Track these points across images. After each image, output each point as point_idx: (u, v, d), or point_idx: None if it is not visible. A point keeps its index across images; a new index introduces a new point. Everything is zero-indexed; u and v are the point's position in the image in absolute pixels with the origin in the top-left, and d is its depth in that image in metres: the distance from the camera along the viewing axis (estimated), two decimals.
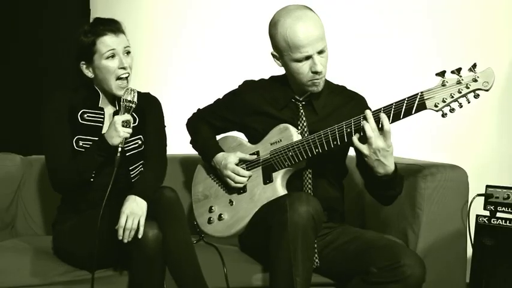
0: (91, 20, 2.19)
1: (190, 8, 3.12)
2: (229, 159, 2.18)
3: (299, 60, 2.03)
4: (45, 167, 2.56)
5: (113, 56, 2.08)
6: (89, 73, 2.13)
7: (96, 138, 2.08)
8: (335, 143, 2.00)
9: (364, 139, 1.94)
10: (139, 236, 1.88)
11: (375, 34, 3.06)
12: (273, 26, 2.07)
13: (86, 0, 3.03)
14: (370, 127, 1.92)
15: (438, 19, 3.04)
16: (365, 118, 1.93)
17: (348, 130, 1.98)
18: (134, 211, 1.91)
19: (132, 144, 2.16)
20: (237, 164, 2.18)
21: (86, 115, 2.13)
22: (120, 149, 2.00)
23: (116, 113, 2.14)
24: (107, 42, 2.08)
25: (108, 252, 1.99)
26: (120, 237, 1.89)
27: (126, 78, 2.11)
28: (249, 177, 2.16)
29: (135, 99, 2.05)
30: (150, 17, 3.07)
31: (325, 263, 2.06)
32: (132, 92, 2.06)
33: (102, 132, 2.12)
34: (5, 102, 2.94)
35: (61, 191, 2.17)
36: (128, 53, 2.12)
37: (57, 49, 2.96)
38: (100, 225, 1.93)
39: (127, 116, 2.03)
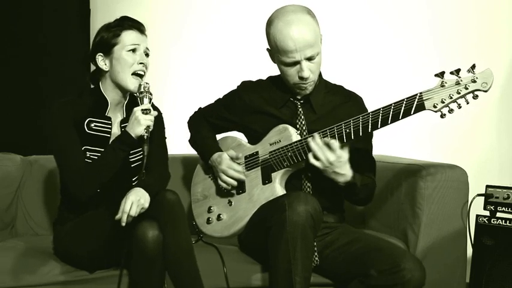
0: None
1: (190, 7, 3.12)
2: (224, 156, 2.19)
3: (287, 64, 2.05)
4: (45, 167, 2.58)
5: (134, 50, 2.08)
6: (104, 65, 2.10)
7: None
8: None
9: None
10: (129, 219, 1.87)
11: (374, 34, 3.06)
12: (268, 25, 2.08)
13: (86, 0, 3.02)
14: (315, 146, 1.97)
15: (437, 19, 3.05)
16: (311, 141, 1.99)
17: (347, 131, 1.98)
18: (140, 200, 1.89)
19: (138, 156, 2.14)
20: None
21: (92, 124, 2.10)
22: (146, 137, 1.98)
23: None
24: (132, 36, 2.08)
25: (109, 253, 1.99)
26: (123, 223, 1.86)
27: (141, 76, 2.09)
28: (243, 171, 2.17)
29: (150, 90, 2.05)
30: (150, 17, 3.07)
31: (325, 264, 2.06)
32: (146, 83, 2.05)
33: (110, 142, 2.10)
34: (5, 103, 2.93)
35: (83, 197, 2.07)
36: (147, 54, 2.12)
37: (58, 49, 2.95)
38: (104, 225, 1.94)
39: (146, 105, 2.02)
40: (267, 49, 2.13)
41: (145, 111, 2.01)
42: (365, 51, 3.05)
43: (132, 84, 2.08)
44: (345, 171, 1.99)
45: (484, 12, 3.03)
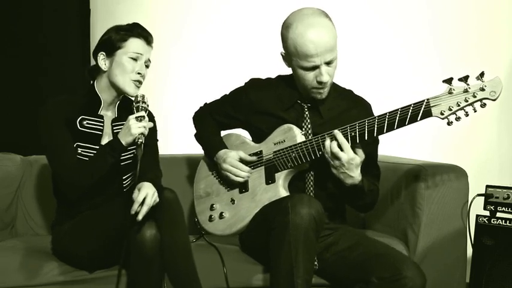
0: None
1: (190, 7, 3.12)
2: (230, 154, 2.18)
3: (306, 68, 2.01)
4: (45, 167, 2.58)
5: (135, 59, 2.10)
6: (103, 65, 2.12)
7: (96, 146, 2.08)
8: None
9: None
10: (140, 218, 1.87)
11: (373, 34, 3.06)
12: (285, 29, 2.03)
13: (86, 0, 3.02)
14: (329, 144, 1.96)
15: (437, 19, 3.04)
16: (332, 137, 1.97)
17: (353, 134, 1.97)
18: (154, 193, 1.90)
19: (128, 154, 2.16)
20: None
21: (85, 122, 2.12)
22: (140, 143, 1.97)
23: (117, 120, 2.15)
24: (138, 44, 2.10)
25: (109, 252, 2.00)
26: (140, 215, 1.86)
27: (137, 85, 2.11)
28: (249, 173, 2.16)
29: (146, 100, 2.06)
30: (150, 17, 3.07)
31: (325, 267, 2.06)
32: (143, 95, 2.07)
33: (102, 140, 2.12)
34: (5, 103, 2.93)
35: (74, 194, 2.10)
36: (147, 66, 2.14)
37: (58, 49, 2.95)
38: (104, 225, 1.96)
39: (140, 113, 2.03)
40: (281, 53, 2.09)
41: (139, 119, 2.01)
42: (364, 51, 3.05)
43: (130, 88, 2.10)
44: (354, 174, 1.96)
45: (484, 12, 3.02)
